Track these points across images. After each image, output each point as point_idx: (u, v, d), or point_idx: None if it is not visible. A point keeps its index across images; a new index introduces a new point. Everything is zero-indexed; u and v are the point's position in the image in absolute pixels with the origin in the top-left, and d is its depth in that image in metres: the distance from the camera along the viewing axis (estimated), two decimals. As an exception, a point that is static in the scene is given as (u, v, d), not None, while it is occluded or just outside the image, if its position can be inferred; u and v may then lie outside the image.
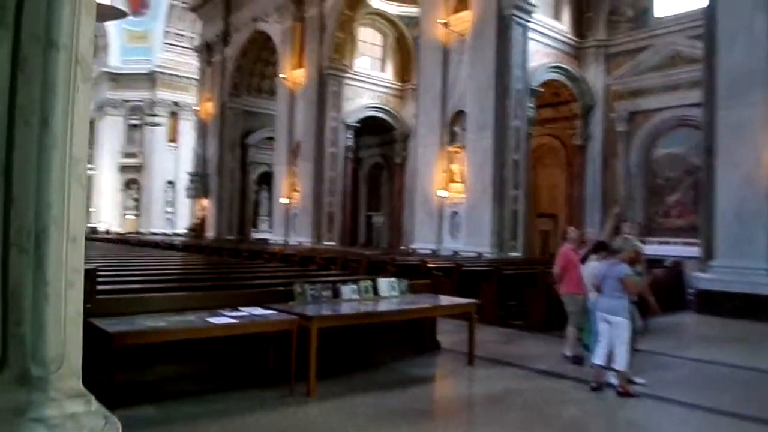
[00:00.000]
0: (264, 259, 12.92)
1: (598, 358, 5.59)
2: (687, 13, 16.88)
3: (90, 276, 4.23)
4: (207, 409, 4.59)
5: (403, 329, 6.54)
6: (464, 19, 17.04)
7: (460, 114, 17.12)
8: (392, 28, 25.33)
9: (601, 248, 6.40)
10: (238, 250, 15.31)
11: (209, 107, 29.84)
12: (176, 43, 40.11)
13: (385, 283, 6.37)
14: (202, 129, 30.91)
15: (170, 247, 17.56)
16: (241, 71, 28.81)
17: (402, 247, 22.03)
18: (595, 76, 18.95)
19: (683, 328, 10.27)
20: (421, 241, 17.87)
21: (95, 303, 4.45)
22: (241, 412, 4.60)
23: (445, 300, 6.62)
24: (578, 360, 6.60)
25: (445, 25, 17.32)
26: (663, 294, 8.75)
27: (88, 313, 4.34)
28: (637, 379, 5.73)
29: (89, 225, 40.42)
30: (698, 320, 10.78)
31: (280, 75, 24.57)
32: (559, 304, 7.20)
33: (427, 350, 6.75)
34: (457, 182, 17.09)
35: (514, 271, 10.34)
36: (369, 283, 6.28)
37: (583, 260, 6.72)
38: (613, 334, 5.49)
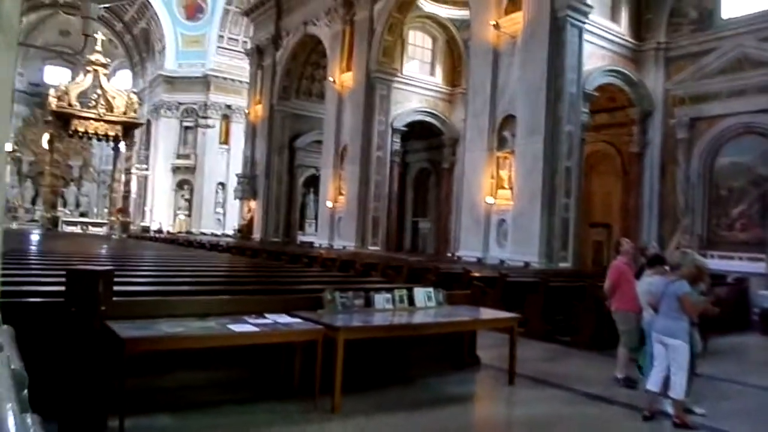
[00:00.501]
0: (303, 263, 12.74)
1: (653, 384, 5.08)
2: (758, 14, 15.87)
3: (106, 278, 4.05)
4: (226, 421, 4.34)
5: (439, 342, 6.16)
6: (516, 21, 16.52)
7: (509, 118, 16.59)
8: (442, 31, 24.95)
9: (658, 262, 5.87)
10: (279, 253, 15.21)
11: (259, 110, 30.14)
12: (230, 47, 40.84)
13: (421, 293, 6.02)
14: (251, 131, 31.24)
15: (214, 247, 17.66)
16: (291, 74, 28.95)
17: (448, 254, 21.57)
18: (654, 81, 18.03)
19: (747, 350, 9.50)
20: (467, 248, 17.38)
21: (113, 305, 4.26)
22: (261, 426, 4.33)
23: (486, 313, 6.20)
24: (630, 384, 6.07)
25: (496, 26, 16.84)
26: (725, 313, 8.06)
27: (104, 316, 4.18)
28: (696, 409, 5.18)
29: (142, 224, 41.64)
30: (763, 343, 9.97)
31: (329, 78, 24.53)
32: (611, 321, 6.67)
33: (466, 366, 6.35)
34: (505, 189, 16.56)
35: (563, 283, 9.80)
36: (404, 292, 5.93)
37: (638, 275, 6.19)
38: (669, 358, 4.98)
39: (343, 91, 23.83)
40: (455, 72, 25.34)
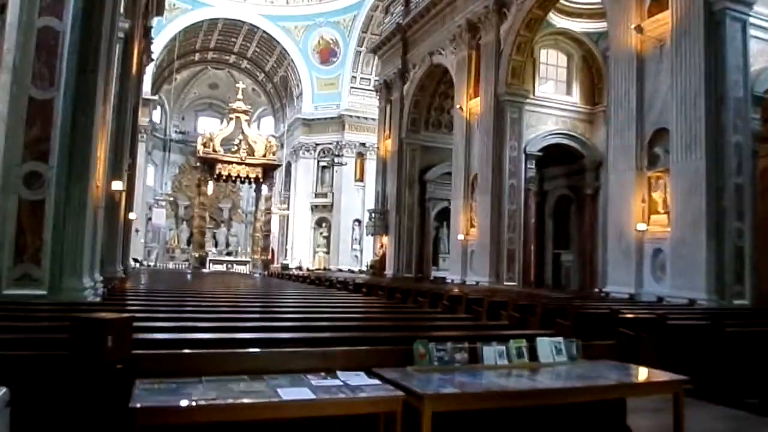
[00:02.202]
0: (417, 301, 11.58)
1: None
2: None
3: (120, 327, 3.21)
4: None
5: (573, 412, 4.66)
6: (662, 22, 14.46)
7: (660, 132, 14.40)
8: (578, 46, 23.05)
9: None
10: (405, 290, 14.20)
11: (388, 145, 29.90)
12: (362, 86, 41.67)
13: (546, 345, 4.60)
14: (381, 167, 31.05)
15: (340, 285, 17.08)
16: (419, 106, 28.43)
17: (595, 290, 19.26)
18: None
19: None
20: (616, 283, 15.20)
21: (158, 360, 3.44)
22: None
23: (638, 372, 4.61)
24: None
25: (639, 30, 14.86)
26: None
27: (129, 372, 3.36)
28: None
29: (284, 261, 43.10)
30: None
31: (456, 106, 23.56)
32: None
33: (613, 441, 4.76)
34: (660, 213, 14.30)
35: (742, 327, 7.69)
36: (523, 343, 4.56)
37: None
38: None
39: (471, 118, 22.70)
40: (595, 89, 23.25)
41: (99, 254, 10.25)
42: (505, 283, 20.20)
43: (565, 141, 22.77)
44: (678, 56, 13.82)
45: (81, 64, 7.87)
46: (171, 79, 43.92)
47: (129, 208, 20.55)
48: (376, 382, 3.82)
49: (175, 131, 49.19)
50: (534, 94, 22.14)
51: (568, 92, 23.29)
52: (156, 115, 46.54)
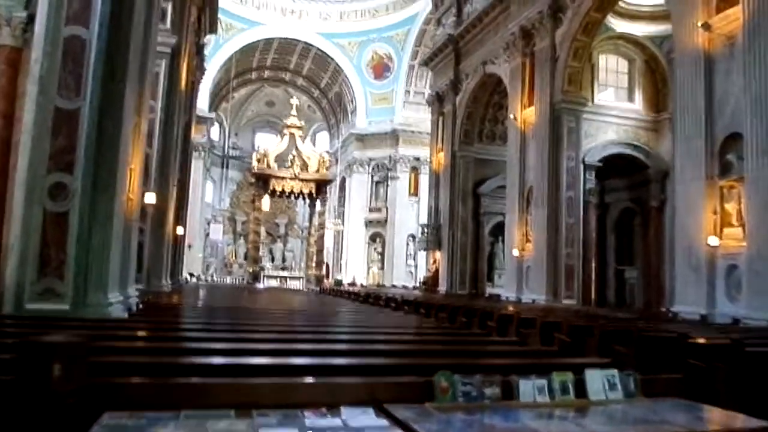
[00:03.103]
0: (461, 322, 10.81)
1: None
2: None
3: (72, 353, 2.73)
4: None
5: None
6: (732, 18, 13.30)
7: (733, 137, 13.19)
8: (640, 51, 21.81)
9: None
10: (455, 308, 13.42)
11: (441, 158, 29.24)
12: (415, 101, 41.31)
13: (597, 378, 3.85)
14: (434, 180, 30.39)
15: (388, 302, 16.45)
16: (472, 118, 27.68)
17: (662, 310, 17.91)
18: None
19: None
20: (685, 302, 13.95)
21: (145, 389, 2.96)
22: None
23: (712, 416, 3.78)
24: None
25: (706, 27, 13.72)
26: None
27: (90, 404, 2.88)
28: None
29: (337, 277, 42.92)
30: None
31: (510, 115, 22.71)
32: None
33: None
34: (734, 226, 13.05)
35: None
36: (568, 377, 3.82)
37: None
38: None
39: (526, 128, 21.79)
40: (659, 96, 21.92)
41: (134, 268, 10.06)
42: (564, 302, 19.09)
43: (628, 151, 21.50)
44: (751, 54, 12.63)
45: (109, 73, 7.66)
46: (229, 97, 44.89)
47: (181, 222, 20.72)
48: (384, 422, 3.19)
49: (233, 148, 50.17)
50: (593, 102, 21.05)
51: (630, 99, 22.04)
52: (215, 132, 47.60)
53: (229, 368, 4.14)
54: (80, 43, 7.31)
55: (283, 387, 3.59)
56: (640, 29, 21.22)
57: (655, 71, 21.96)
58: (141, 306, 9.56)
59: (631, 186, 23.22)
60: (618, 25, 21.04)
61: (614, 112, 21.47)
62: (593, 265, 21.60)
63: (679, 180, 14.68)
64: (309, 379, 3.69)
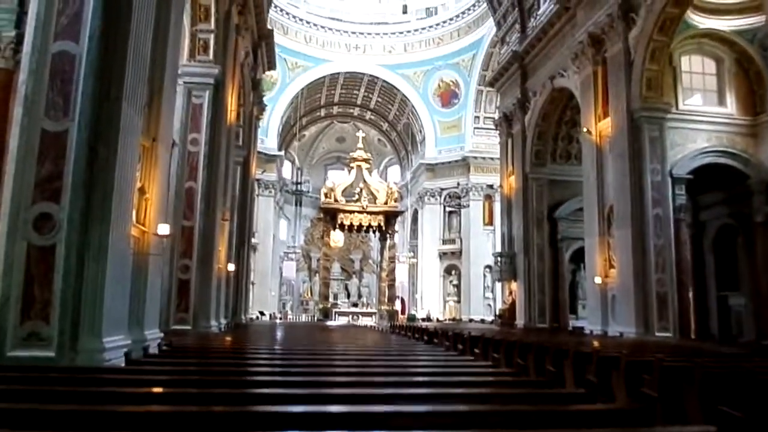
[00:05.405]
0: (548, 372, 9.08)
1: None
2: None
3: None
4: None
5: None
6: None
7: None
8: (728, 49, 19.43)
9: None
10: (526, 346, 11.69)
11: (512, 182, 27.48)
12: (486, 126, 39.87)
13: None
14: (506, 206, 28.59)
15: (454, 339, 14.85)
16: (544, 137, 25.86)
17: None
18: None
19: None
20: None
21: None
22: None
23: None
24: None
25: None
26: None
27: None
28: None
29: (412, 312, 41.40)
30: None
31: (583, 129, 20.83)
32: None
33: None
34: None
35: None
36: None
37: None
38: None
39: (602, 142, 19.84)
40: (755, 96, 19.41)
41: (155, 307, 9.24)
42: (657, 334, 16.75)
43: (722, 160, 19.01)
44: None
45: (102, 91, 6.96)
46: (299, 136, 45.24)
47: (238, 261, 20.16)
48: None
49: (299, 183, 50.44)
50: (677, 108, 18.82)
51: (721, 103, 19.60)
52: (287, 170, 47.99)
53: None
54: (69, 59, 6.64)
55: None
56: (727, 24, 18.92)
57: (748, 70, 19.45)
58: (164, 349, 8.66)
59: (730, 200, 20.51)
60: (701, 21, 18.88)
61: (703, 117, 19.10)
62: (690, 291, 19.04)
63: (789, 186, 12.43)
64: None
